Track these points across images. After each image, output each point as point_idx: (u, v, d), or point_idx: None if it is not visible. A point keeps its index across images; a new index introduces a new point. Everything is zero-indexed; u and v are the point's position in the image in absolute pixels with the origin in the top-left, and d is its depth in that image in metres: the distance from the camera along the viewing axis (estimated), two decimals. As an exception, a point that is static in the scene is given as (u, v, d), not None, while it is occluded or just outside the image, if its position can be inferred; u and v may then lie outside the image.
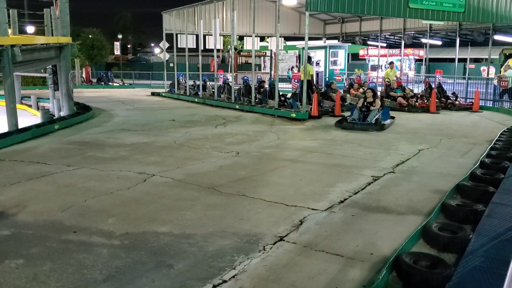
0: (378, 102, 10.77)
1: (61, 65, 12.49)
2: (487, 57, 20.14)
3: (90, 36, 40.51)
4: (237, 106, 14.76)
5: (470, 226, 4.06)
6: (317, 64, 20.84)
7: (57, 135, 9.64)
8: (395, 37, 24.80)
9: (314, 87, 14.41)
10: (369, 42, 26.94)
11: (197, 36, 19.39)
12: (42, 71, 18.23)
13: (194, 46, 19.96)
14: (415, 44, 25.77)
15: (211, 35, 17.68)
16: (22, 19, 23.24)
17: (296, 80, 19.75)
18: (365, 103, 10.73)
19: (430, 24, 18.91)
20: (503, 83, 15.69)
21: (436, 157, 7.46)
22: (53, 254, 3.58)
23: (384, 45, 27.19)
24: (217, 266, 3.40)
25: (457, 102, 14.85)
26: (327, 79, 18.28)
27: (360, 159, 7.26)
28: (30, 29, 26.34)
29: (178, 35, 20.18)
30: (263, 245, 3.80)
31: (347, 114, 11.44)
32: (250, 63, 19.57)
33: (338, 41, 24.01)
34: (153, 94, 21.99)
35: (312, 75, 14.83)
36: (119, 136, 9.47)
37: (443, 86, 16.32)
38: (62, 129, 10.27)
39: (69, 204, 4.80)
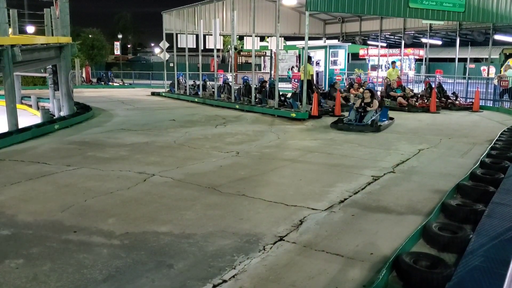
0: (376, 103, 10.65)
1: (61, 65, 12.49)
2: (487, 56, 20.14)
3: (90, 36, 40.54)
4: (237, 106, 14.76)
5: (470, 226, 4.06)
6: (317, 64, 20.82)
7: (57, 135, 9.64)
8: (395, 37, 24.79)
9: (314, 87, 14.41)
10: (369, 42, 26.95)
11: (197, 36, 19.40)
12: (42, 71, 18.23)
13: (194, 46, 19.96)
14: (415, 44, 25.77)
15: (211, 35, 17.68)
16: (22, 19, 23.27)
17: (296, 80, 19.75)
18: (362, 104, 10.63)
19: (430, 24, 18.91)
20: (503, 83, 15.69)
21: (436, 157, 7.46)
22: (53, 254, 3.58)
23: (384, 45, 27.19)
24: (217, 266, 3.40)
25: (457, 102, 14.84)
26: (332, 79, 18.23)
27: (360, 159, 7.26)
28: (30, 29, 26.37)
29: (178, 35, 20.18)
30: (263, 245, 3.80)
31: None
32: (250, 63, 19.56)
33: (338, 41, 24.00)
34: (153, 94, 21.99)
35: (312, 75, 14.83)
36: (119, 136, 9.47)
37: (443, 86, 16.32)
38: (62, 129, 10.28)
39: (69, 204, 4.80)
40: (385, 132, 9.97)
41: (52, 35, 13.46)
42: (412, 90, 16.06)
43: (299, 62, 22.92)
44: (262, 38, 24.89)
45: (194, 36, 20.01)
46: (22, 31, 21.53)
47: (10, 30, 13.57)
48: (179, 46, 20.27)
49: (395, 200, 5.06)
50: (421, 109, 13.96)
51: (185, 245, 3.78)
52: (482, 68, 30.26)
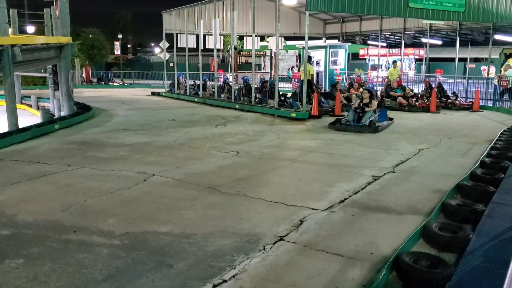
0: (374, 103, 10.57)
1: (61, 65, 12.49)
2: (487, 56, 20.13)
3: (90, 36, 40.54)
4: (237, 106, 14.77)
5: (470, 225, 4.06)
6: (317, 63, 20.82)
7: (57, 135, 9.64)
8: (395, 37, 24.79)
9: (314, 87, 14.41)
10: (369, 42, 26.95)
11: (197, 36, 19.40)
12: (42, 71, 18.23)
13: (194, 46, 19.97)
14: (415, 43, 25.77)
15: (211, 35, 17.68)
16: (22, 19, 23.25)
17: (296, 80, 19.75)
18: (361, 104, 10.53)
19: (430, 23, 18.91)
20: (503, 82, 15.68)
21: (436, 156, 7.46)
22: (53, 254, 3.58)
23: (384, 44, 27.19)
24: (217, 265, 3.40)
25: (457, 102, 14.84)
26: (333, 79, 18.22)
27: (360, 158, 7.26)
28: (30, 29, 26.36)
29: (178, 35, 20.18)
30: (263, 244, 3.80)
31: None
32: (250, 63, 19.57)
33: (338, 40, 24.01)
34: (153, 94, 21.99)
35: (312, 75, 14.83)
36: (119, 136, 9.47)
37: (443, 85, 16.32)
38: (62, 129, 10.27)
39: (69, 204, 4.80)
40: (384, 132, 9.96)
41: (52, 35, 13.46)
42: (412, 90, 16.06)
43: (299, 62, 22.93)
44: (262, 38, 24.89)
45: (194, 36, 20.02)
46: (22, 31, 21.53)
47: (10, 30, 13.57)
48: (179, 46, 20.27)
49: (395, 200, 5.06)
50: (421, 109, 13.96)
51: (185, 245, 3.78)
52: (482, 68, 30.27)
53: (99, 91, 24.97)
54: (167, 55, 22.10)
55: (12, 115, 9.78)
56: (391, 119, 11.14)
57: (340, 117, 11.13)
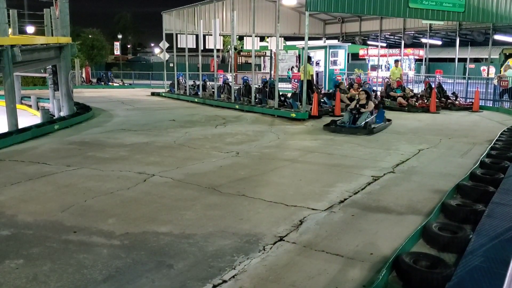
0: (371, 104, 10.41)
1: (61, 65, 12.49)
2: (487, 57, 20.14)
3: (90, 36, 40.54)
4: (237, 106, 14.77)
5: (470, 226, 4.06)
6: (317, 64, 20.84)
7: (57, 135, 9.64)
8: (395, 37, 24.79)
9: (314, 87, 14.41)
10: (369, 42, 26.94)
11: (197, 36, 19.39)
12: (42, 71, 18.23)
13: (194, 46, 19.96)
14: (415, 44, 25.76)
15: (211, 35, 17.68)
16: (22, 19, 23.24)
17: (296, 80, 19.75)
18: (357, 105, 10.38)
19: (430, 24, 18.91)
20: (503, 83, 15.69)
21: (436, 157, 7.47)
22: (53, 254, 3.58)
23: (384, 45, 27.19)
24: (217, 266, 3.41)
25: (457, 102, 14.84)
26: (335, 80, 18.21)
27: (360, 159, 7.26)
28: (30, 29, 26.34)
29: (178, 35, 20.18)
30: (263, 245, 3.80)
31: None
32: (250, 63, 19.57)
33: (338, 41, 24.00)
34: (153, 94, 21.99)
35: (312, 75, 14.84)
36: (119, 136, 9.47)
37: (443, 86, 16.32)
38: (62, 129, 10.27)
39: (69, 204, 4.80)
40: (384, 133, 9.96)
41: (52, 35, 13.46)
42: (412, 90, 16.07)
43: (299, 62, 22.93)
44: (262, 38, 24.90)
45: (194, 36, 20.01)
46: (22, 31, 21.52)
47: (10, 30, 13.57)
48: (179, 46, 20.27)
49: (395, 200, 5.06)
50: (421, 109, 13.96)
51: (185, 245, 3.78)
52: (482, 68, 30.27)
53: (99, 91, 24.97)
54: (167, 55, 22.10)
55: (12, 115, 9.78)
56: (389, 120, 10.99)
57: (337, 118, 10.99)
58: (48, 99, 15.29)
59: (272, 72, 22.46)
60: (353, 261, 3.52)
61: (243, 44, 24.04)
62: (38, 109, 15.35)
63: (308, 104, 12.27)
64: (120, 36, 52.62)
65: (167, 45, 21.54)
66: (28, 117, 13.77)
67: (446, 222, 4.22)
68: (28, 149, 7.99)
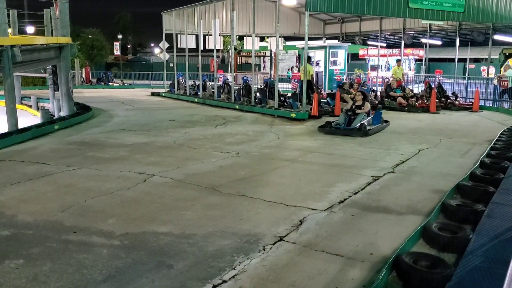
0: (367, 106, 10.23)
1: (61, 65, 12.49)
2: (487, 57, 20.14)
3: (90, 36, 40.53)
4: (237, 106, 14.77)
5: (470, 226, 4.06)
6: (317, 64, 20.84)
7: (57, 135, 9.64)
8: (395, 37, 24.79)
9: (314, 87, 14.42)
10: (369, 42, 26.94)
11: (197, 36, 19.39)
12: (42, 71, 18.22)
13: (194, 46, 19.96)
14: (415, 44, 25.75)
15: (211, 35, 17.68)
16: (22, 19, 23.20)
17: (296, 80, 19.75)
18: (353, 107, 10.19)
19: (430, 24, 18.91)
20: (503, 83, 15.69)
21: (436, 157, 7.47)
22: (53, 254, 3.58)
23: (384, 45, 27.18)
24: (217, 266, 3.41)
25: (457, 102, 14.85)
26: (339, 80, 18.20)
27: (360, 159, 7.26)
28: (30, 29, 26.33)
29: (178, 35, 20.18)
30: (263, 245, 3.80)
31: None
32: (250, 63, 19.57)
33: (338, 41, 24.01)
34: (153, 94, 21.99)
35: (312, 75, 14.84)
36: (119, 136, 9.47)
37: (443, 86, 16.32)
38: (62, 129, 10.27)
39: (69, 204, 4.80)
40: (384, 133, 9.95)
41: (52, 35, 13.46)
42: (412, 90, 16.07)
43: (299, 62, 22.94)
44: (262, 38, 24.89)
45: (194, 36, 20.01)
46: (22, 32, 21.50)
47: (10, 31, 13.57)
48: (179, 46, 20.27)
49: (395, 200, 5.06)
50: (421, 109, 13.96)
51: (185, 245, 3.78)
52: (482, 68, 30.28)
53: (99, 91, 24.97)
54: (167, 56, 22.10)
55: (12, 115, 9.78)
56: (386, 121, 10.80)
57: (334, 119, 10.71)
58: (48, 99, 15.28)
59: (272, 72, 22.47)
60: (353, 261, 3.52)
61: (243, 44, 24.04)
62: (38, 109, 15.34)
63: (308, 104, 12.27)
64: (120, 36, 52.60)
65: (167, 45, 21.55)
66: (28, 117, 13.77)
67: (446, 222, 4.22)
68: (28, 149, 7.99)
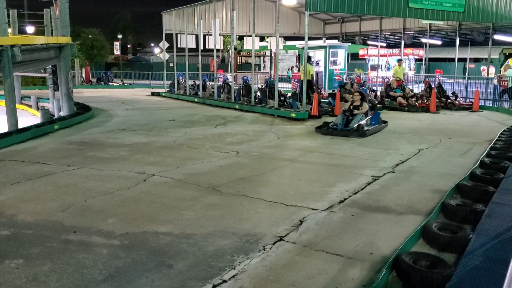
0: (365, 106, 10.14)
1: (61, 65, 12.49)
2: (487, 56, 20.15)
3: (90, 36, 40.56)
4: (237, 106, 14.77)
5: (470, 226, 4.06)
6: (317, 64, 20.84)
7: (57, 135, 9.64)
8: (395, 37, 24.80)
9: (314, 87, 14.42)
10: (369, 42, 26.95)
11: (197, 36, 19.40)
12: (42, 71, 18.24)
13: (194, 46, 19.97)
14: (415, 43, 25.77)
15: (211, 35, 17.68)
16: (22, 19, 23.24)
17: (296, 80, 19.76)
18: (350, 107, 10.14)
19: (430, 23, 18.92)
20: (503, 82, 15.69)
21: (436, 156, 7.47)
22: (53, 254, 3.58)
23: (384, 44, 27.20)
24: (217, 266, 3.40)
25: (457, 102, 14.85)
26: (339, 81, 18.21)
27: (360, 159, 7.26)
28: (30, 29, 26.35)
29: (178, 35, 20.18)
30: (263, 245, 3.80)
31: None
32: (250, 63, 19.58)
33: (338, 41, 24.02)
34: (153, 94, 22.00)
35: (312, 75, 14.84)
36: (118, 136, 9.47)
37: (443, 85, 16.33)
38: (62, 129, 10.27)
39: (69, 204, 4.80)
40: (384, 132, 9.95)
41: (52, 35, 13.46)
42: (412, 90, 16.08)
43: (299, 62, 22.93)
44: (262, 38, 24.91)
45: (194, 36, 20.01)
46: (22, 31, 21.51)
47: (10, 30, 13.57)
48: (179, 46, 20.27)
49: (395, 200, 5.06)
50: (420, 109, 13.97)
51: (185, 245, 3.78)
52: (481, 68, 30.28)
53: (99, 91, 24.97)
54: (167, 55, 22.11)
55: (12, 115, 9.78)
56: (385, 122, 10.71)
57: (332, 120, 10.61)
58: (48, 99, 15.29)
59: (272, 72, 22.47)
60: (353, 261, 3.52)
61: (243, 44, 24.06)
62: (38, 109, 15.35)
63: (308, 104, 12.26)
64: (120, 36, 52.65)
65: (167, 45, 21.55)
66: (28, 117, 13.78)
67: (446, 222, 4.22)
68: (28, 149, 7.99)
